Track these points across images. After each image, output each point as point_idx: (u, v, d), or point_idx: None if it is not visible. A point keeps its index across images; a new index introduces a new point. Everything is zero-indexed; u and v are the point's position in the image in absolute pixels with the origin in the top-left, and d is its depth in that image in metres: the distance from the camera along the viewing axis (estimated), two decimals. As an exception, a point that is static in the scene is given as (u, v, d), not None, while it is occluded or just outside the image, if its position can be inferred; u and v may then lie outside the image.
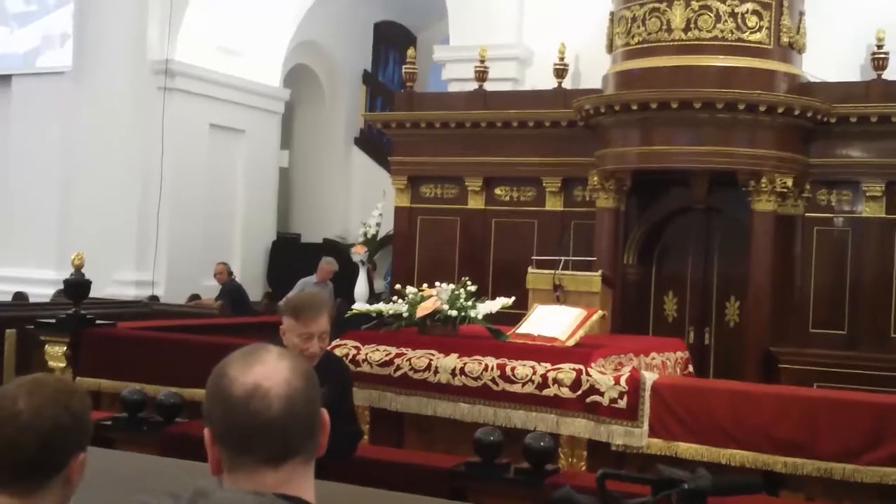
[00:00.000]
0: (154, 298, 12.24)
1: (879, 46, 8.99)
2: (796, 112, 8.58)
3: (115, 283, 12.50)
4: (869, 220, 8.94)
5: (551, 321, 6.40)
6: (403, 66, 11.06)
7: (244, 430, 1.63)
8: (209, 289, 12.84)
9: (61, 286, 8.32)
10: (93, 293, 8.06)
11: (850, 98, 8.90)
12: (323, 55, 15.88)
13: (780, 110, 8.52)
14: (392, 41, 16.91)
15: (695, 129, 8.72)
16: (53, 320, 7.41)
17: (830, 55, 9.36)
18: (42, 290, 12.01)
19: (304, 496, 1.67)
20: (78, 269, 7.28)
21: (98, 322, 7.52)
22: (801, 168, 8.90)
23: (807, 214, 9.10)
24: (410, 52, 11.06)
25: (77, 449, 1.98)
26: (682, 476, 2.78)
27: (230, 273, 12.63)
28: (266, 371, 1.66)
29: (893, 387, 7.45)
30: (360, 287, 10.06)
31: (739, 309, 9.29)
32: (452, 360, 6.05)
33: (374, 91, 16.56)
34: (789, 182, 8.71)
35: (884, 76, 8.92)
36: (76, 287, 7.40)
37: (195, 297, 12.85)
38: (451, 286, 6.62)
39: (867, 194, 8.90)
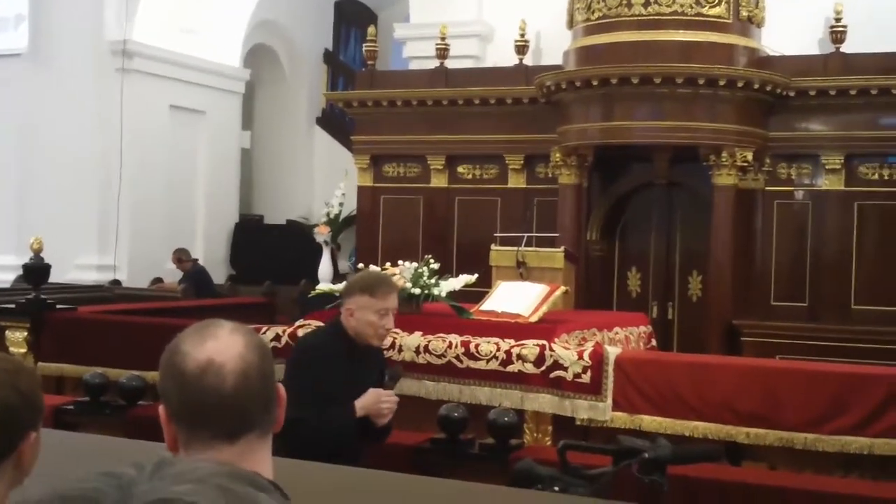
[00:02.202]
0: (116, 282, 12.13)
1: (837, 20, 9.04)
2: (756, 86, 8.63)
3: (76, 267, 12.36)
4: (828, 193, 9.03)
5: (515, 298, 6.41)
6: (364, 45, 11.01)
7: (198, 405, 1.62)
8: (172, 272, 12.73)
9: (21, 271, 8.23)
10: (54, 278, 7.97)
11: (809, 72, 8.96)
12: (283, 34, 15.73)
13: (740, 84, 8.57)
14: (353, 20, 16.79)
15: (656, 104, 8.75)
16: (13, 305, 7.32)
17: (789, 29, 9.41)
18: (1, 276, 11.86)
19: (260, 471, 1.65)
20: (37, 253, 7.20)
21: (59, 306, 7.45)
22: (761, 142, 8.96)
23: (767, 188, 9.16)
24: (371, 30, 11.00)
25: (28, 428, 1.93)
26: (642, 446, 2.80)
27: (185, 260, 12.51)
28: (219, 346, 1.64)
29: (854, 357, 7.55)
30: (324, 267, 10.02)
31: (702, 283, 9.35)
32: (416, 338, 6.05)
33: (335, 70, 16.45)
34: (749, 156, 8.77)
35: (842, 49, 8.99)
36: (35, 271, 7.32)
37: (158, 280, 12.74)
38: (415, 264, 6.61)
39: (826, 167, 8.98)
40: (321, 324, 6.43)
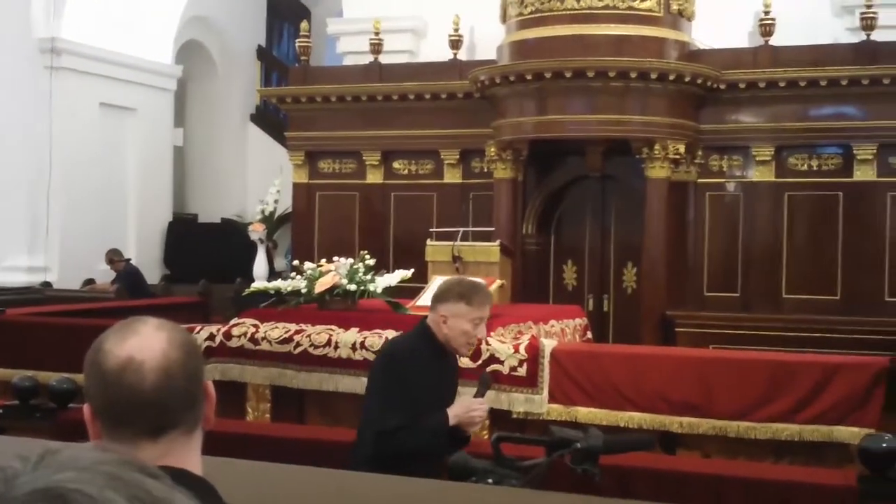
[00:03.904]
0: (46, 284, 11.92)
1: (766, 13, 9.16)
2: (687, 79, 8.72)
3: (5, 269, 12.13)
4: (759, 185, 9.16)
5: (451, 292, 6.39)
6: (297, 41, 10.93)
7: (119, 403, 1.59)
8: (104, 273, 12.54)
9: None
10: (-19, 280, 7.81)
11: (739, 64, 9.08)
12: (215, 30, 15.56)
13: (672, 77, 8.65)
14: (286, 15, 16.66)
15: (589, 98, 8.81)
16: (-61, 309, 7.17)
17: (719, 22, 9.52)
18: (-72, 280, 11.60)
19: (186, 468, 1.63)
20: (-37, 255, 7.05)
21: (-14, 309, 7.31)
22: (693, 134, 9.06)
23: (699, 180, 9.27)
24: (304, 25, 10.92)
25: None
26: (574, 436, 2.82)
27: (117, 260, 12.33)
28: (141, 343, 1.62)
29: (785, 346, 7.67)
30: (259, 265, 9.90)
31: (636, 275, 9.44)
32: (353, 335, 6.02)
33: (269, 66, 16.31)
34: (681, 148, 8.86)
35: (771, 42, 9.11)
36: (-39, 273, 7.17)
37: (90, 281, 12.54)
38: (350, 260, 6.58)
39: (757, 159, 9.10)
40: (256, 321, 6.39)
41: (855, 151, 8.86)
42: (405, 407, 3.70)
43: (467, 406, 3.82)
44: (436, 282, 6.67)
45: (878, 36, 8.86)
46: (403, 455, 3.56)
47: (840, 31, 9.69)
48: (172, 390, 1.61)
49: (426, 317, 3.99)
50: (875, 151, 8.81)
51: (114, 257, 12.37)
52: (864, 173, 8.88)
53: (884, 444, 3.78)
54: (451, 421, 3.76)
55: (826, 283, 8.95)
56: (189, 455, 1.67)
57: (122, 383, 1.59)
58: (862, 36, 8.96)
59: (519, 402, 5.47)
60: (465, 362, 5.61)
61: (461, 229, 7.45)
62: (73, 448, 0.84)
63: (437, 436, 3.74)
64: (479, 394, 3.89)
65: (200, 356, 1.73)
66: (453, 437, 3.84)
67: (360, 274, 6.48)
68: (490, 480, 2.77)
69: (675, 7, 8.90)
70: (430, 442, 3.71)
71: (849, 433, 4.93)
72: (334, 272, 6.47)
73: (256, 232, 9.79)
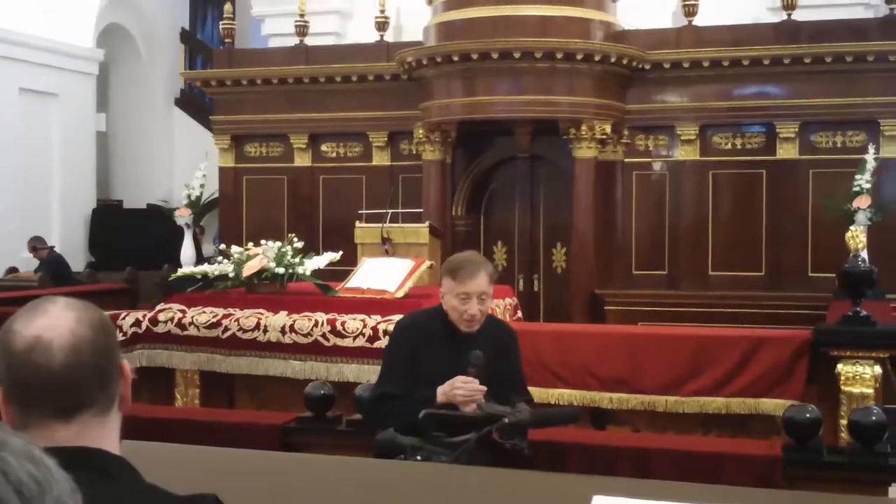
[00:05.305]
0: (-33, 274, 11.64)
1: (690, -7, 9.25)
2: (612, 59, 8.77)
3: (-77, 259, 11.82)
4: (684, 164, 9.26)
5: (380, 274, 6.39)
6: (221, 23, 10.77)
7: (28, 383, 1.56)
8: (27, 261, 12.28)
9: None
10: None
11: (663, 45, 9.15)
12: (137, 13, 15.26)
13: (597, 58, 8.69)
14: (210, -3, 16.42)
15: (516, 79, 8.82)
16: None
17: (643, 3, 9.59)
18: None
19: (103, 448, 1.59)
20: None
21: None
22: (619, 114, 9.12)
23: (626, 160, 9.35)
24: (228, 7, 10.76)
25: None
26: (502, 411, 2.82)
27: (40, 248, 12.09)
28: (48, 322, 1.58)
29: (711, 321, 7.77)
30: (187, 251, 9.77)
31: (566, 255, 9.50)
32: (282, 318, 5.97)
33: (193, 49, 16.04)
34: (608, 128, 8.92)
35: (694, 22, 9.19)
36: None
37: (13, 270, 12.27)
38: (278, 243, 6.51)
39: (682, 138, 9.20)
40: (182, 306, 6.30)
41: (777, 130, 8.99)
42: (402, 378, 3.65)
43: (451, 384, 3.65)
44: (365, 263, 6.65)
45: (798, 15, 8.99)
46: (395, 425, 3.49)
47: (761, 10, 9.82)
48: (83, 368, 1.57)
49: None
50: (797, 130, 8.96)
51: (37, 245, 12.12)
52: (786, 151, 9.02)
53: (807, 415, 3.86)
54: (439, 398, 3.62)
55: (751, 260, 9.09)
56: (105, 435, 1.63)
57: (30, 363, 1.55)
58: (783, 15, 9.08)
59: (450, 382, 5.46)
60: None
61: (390, 211, 7.43)
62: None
63: (421, 410, 3.55)
64: (469, 372, 3.72)
65: (113, 334, 1.69)
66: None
67: (289, 257, 6.42)
68: (418, 457, 2.76)
69: (600, -13, 8.94)
70: (414, 415, 3.51)
71: (774, 405, 5.02)
72: (262, 255, 6.40)
73: (183, 217, 9.65)
